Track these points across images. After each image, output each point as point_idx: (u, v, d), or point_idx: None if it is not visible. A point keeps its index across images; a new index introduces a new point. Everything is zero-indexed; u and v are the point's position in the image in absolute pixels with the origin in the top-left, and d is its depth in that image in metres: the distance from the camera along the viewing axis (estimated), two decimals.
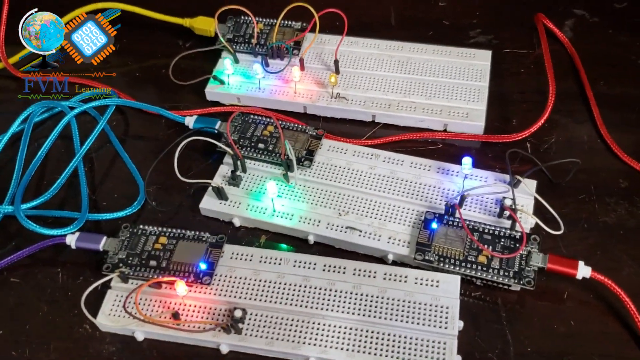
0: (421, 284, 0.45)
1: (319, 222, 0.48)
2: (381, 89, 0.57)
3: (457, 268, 0.45)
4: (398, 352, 0.42)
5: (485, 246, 0.45)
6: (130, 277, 0.46)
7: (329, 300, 0.44)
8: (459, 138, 0.55)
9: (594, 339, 0.44)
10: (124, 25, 0.61)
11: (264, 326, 0.43)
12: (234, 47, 0.60)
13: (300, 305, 0.44)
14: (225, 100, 0.59)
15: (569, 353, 0.43)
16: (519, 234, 0.46)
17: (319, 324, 0.43)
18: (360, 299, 0.44)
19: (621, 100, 0.57)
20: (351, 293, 0.44)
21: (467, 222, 0.47)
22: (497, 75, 0.58)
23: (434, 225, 0.47)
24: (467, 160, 0.48)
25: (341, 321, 0.43)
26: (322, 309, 0.44)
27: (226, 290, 0.45)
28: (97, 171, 0.55)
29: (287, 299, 0.44)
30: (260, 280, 0.45)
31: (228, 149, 0.51)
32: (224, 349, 0.43)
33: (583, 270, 0.44)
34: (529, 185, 0.49)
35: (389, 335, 0.43)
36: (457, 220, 0.47)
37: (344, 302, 0.44)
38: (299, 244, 0.49)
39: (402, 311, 0.43)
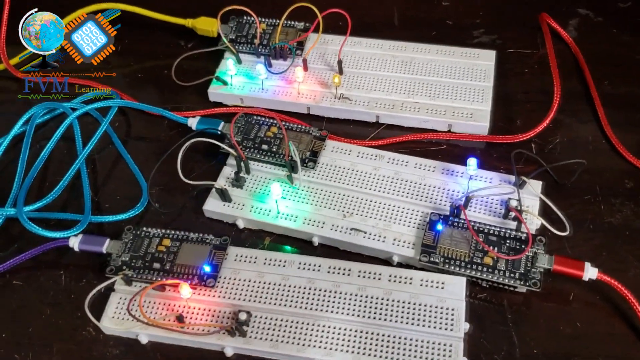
0: (427, 285, 0.44)
1: (324, 223, 0.48)
2: (385, 90, 0.56)
3: (463, 270, 0.45)
4: (404, 355, 0.41)
5: (491, 247, 0.45)
6: (133, 279, 0.46)
7: (334, 302, 0.44)
8: (464, 139, 0.54)
9: (600, 340, 0.43)
10: (125, 26, 0.61)
11: (268, 329, 0.43)
12: (236, 47, 0.60)
13: (305, 308, 0.44)
14: (228, 101, 0.59)
15: (575, 354, 0.43)
16: (525, 235, 0.46)
17: (324, 326, 0.43)
18: (366, 301, 0.44)
19: (626, 99, 0.57)
20: (356, 295, 0.44)
21: (473, 224, 0.46)
22: (501, 75, 0.58)
23: (439, 226, 0.46)
24: (472, 162, 0.48)
25: (346, 323, 0.43)
26: (327, 311, 0.43)
27: (230, 293, 0.45)
28: (100, 173, 0.55)
29: (292, 301, 0.44)
30: (264, 283, 0.45)
31: (231, 150, 0.51)
32: (229, 352, 0.43)
33: (589, 272, 0.44)
34: (534, 186, 0.49)
35: (394, 337, 0.42)
36: (463, 221, 0.47)
37: (349, 304, 0.44)
38: (303, 245, 0.49)
39: (408, 313, 0.43)
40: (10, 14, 0.59)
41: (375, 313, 0.43)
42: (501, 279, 0.44)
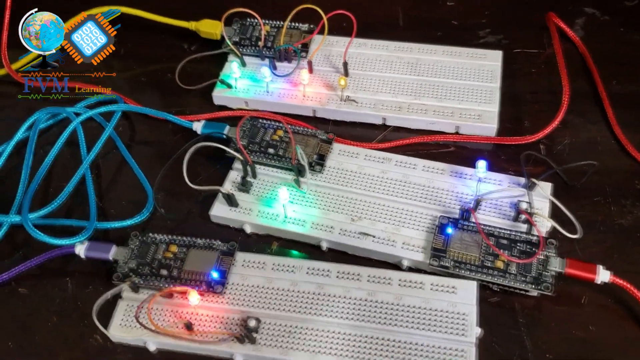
0: (438, 290, 0.44)
1: (332, 228, 0.48)
2: (391, 91, 0.56)
3: (474, 274, 0.44)
4: None
5: (502, 251, 0.45)
6: (141, 286, 0.45)
7: (344, 308, 0.43)
8: (472, 140, 0.54)
9: (613, 344, 0.43)
10: (128, 29, 0.60)
11: (278, 335, 0.43)
12: (240, 50, 0.59)
13: (315, 314, 0.43)
14: (232, 105, 0.58)
15: (588, 359, 0.42)
16: (536, 237, 0.45)
17: (334, 332, 0.43)
18: (376, 306, 0.43)
19: (634, 99, 0.57)
20: (366, 300, 0.44)
21: (483, 227, 0.46)
22: (507, 75, 0.58)
23: (449, 230, 0.46)
24: (481, 164, 0.48)
25: (357, 329, 0.43)
26: (337, 317, 0.43)
27: (239, 299, 0.44)
28: (104, 178, 0.54)
29: (301, 307, 0.44)
30: (273, 288, 0.45)
31: (237, 154, 0.50)
32: None
33: (602, 275, 0.43)
34: (544, 188, 0.48)
35: (405, 343, 0.42)
36: (473, 224, 0.46)
37: (360, 309, 0.43)
38: (311, 250, 0.49)
39: (419, 318, 0.43)
40: (11, 14, 0.58)
41: (386, 318, 0.43)
42: (513, 283, 0.44)
